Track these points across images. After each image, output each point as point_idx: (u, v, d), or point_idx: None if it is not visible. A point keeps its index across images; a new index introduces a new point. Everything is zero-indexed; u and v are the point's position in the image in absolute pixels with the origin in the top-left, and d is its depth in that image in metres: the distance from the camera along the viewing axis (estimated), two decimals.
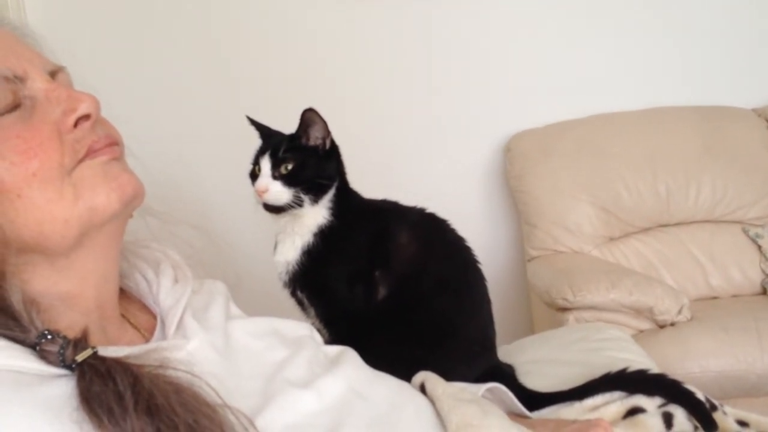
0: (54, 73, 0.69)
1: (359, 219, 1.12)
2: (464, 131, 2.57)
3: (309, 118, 1.08)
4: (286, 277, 1.11)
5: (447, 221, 1.16)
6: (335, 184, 1.11)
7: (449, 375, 1.01)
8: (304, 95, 2.44)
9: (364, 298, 1.06)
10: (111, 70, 2.23)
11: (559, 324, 1.90)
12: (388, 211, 1.15)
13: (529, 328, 2.44)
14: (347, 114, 2.50)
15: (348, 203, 1.12)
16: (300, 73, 2.50)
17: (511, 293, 2.59)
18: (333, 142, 1.13)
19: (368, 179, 2.43)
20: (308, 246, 1.08)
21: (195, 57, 2.49)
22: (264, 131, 1.17)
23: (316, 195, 1.08)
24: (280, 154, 1.07)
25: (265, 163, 1.08)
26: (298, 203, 1.06)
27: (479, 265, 1.15)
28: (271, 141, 1.12)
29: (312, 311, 1.11)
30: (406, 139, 2.57)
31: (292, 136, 1.10)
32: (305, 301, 1.11)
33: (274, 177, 1.07)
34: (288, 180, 1.06)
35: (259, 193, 1.07)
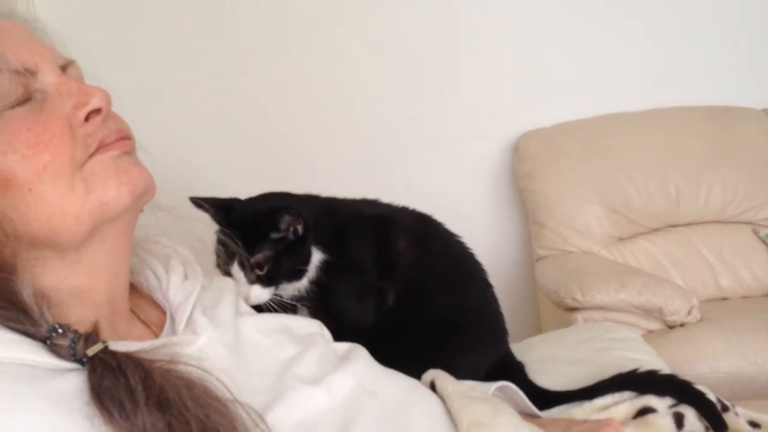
0: (65, 67, 0.69)
1: (354, 237, 1.09)
2: (473, 130, 2.56)
3: (282, 218, 1.00)
4: (292, 299, 1.07)
5: (432, 216, 1.15)
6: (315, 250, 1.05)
7: (463, 367, 1.01)
8: (311, 91, 2.48)
9: (375, 310, 1.06)
10: (123, 65, 2.23)
11: (568, 324, 1.89)
12: (380, 218, 1.12)
13: (536, 328, 2.43)
14: (354, 111, 2.52)
15: (336, 232, 1.07)
16: (308, 69, 2.50)
17: (519, 293, 2.58)
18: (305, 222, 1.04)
19: (375, 177, 2.45)
20: (314, 278, 1.05)
21: (209, 52, 2.48)
22: (215, 208, 1.03)
23: (298, 277, 1.04)
24: (252, 260, 0.99)
25: (237, 272, 0.99)
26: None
27: (473, 253, 1.15)
28: (231, 229, 1.00)
29: None
30: (413, 138, 2.56)
31: (258, 231, 1.01)
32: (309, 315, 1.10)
33: (251, 281, 1.00)
34: (266, 280, 1.01)
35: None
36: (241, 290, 0.98)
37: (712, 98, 2.48)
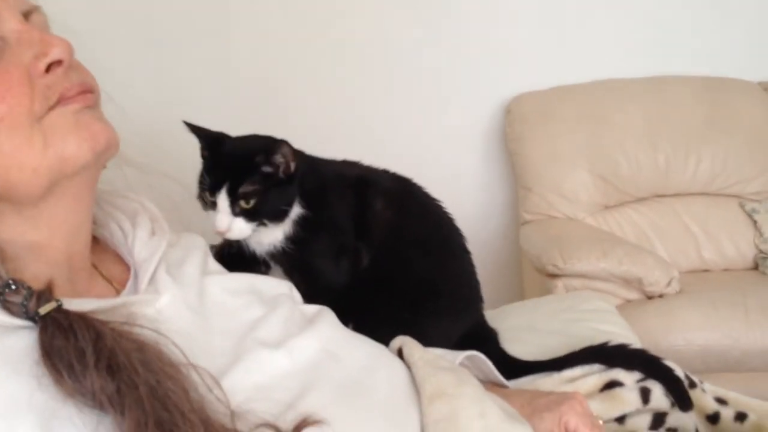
0: (28, 14, 0.66)
1: (333, 197, 1.08)
2: (465, 91, 2.54)
3: (280, 149, 0.98)
4: (267, 256, 1.06)
5: (413, 180, 1.14)
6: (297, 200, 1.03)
7: (435, 333, 1.01)
8: (295, 45, 2.43)
9: (350, 270, 1.05)
10: (96, 11, 2.18)
11: (549, 289, 1.91)
12: (358, 179, 1.11)
13: (519, 292, 2.44)
14: (340, 69, 2.47)
15: (316, 188, 1.05)
16: (291, 22, 2.45)
17: (504, 256, 2.58)
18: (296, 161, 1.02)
19: (362, 137, 2.43)
20: (290, 233, 1.03)
21: (189, 3, 2.43)
22: (206, 138, 1.02)
23: (281, 219, 1.01)
24: (240, 189, 0.96)
25: (223, 200, 0.96)
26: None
27: (452, 218, 1.14)
28: (219, 159, 1.00)
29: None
30: (403, 97, 2.54)
31: (250, 162, 0.98)
32: (284, 275, 1.09)
33: (235, 213, 0.97)
34: (250, 214, 0.98)
35: (220, 233, 0.98)
36: (223, 221, 0.96)
37: (708, 69, 2.46)
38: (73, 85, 0.64)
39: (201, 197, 1.00)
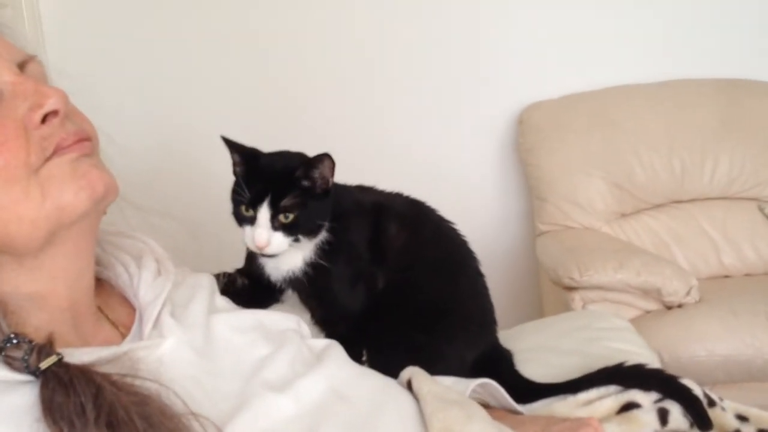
0: (24, 64, 0.66)
1: (353, 223, 1.07)
2: (477, 102, 2.52)
3: (321, 163, 0.98)
4: (284, 282, 1.06)
5: (425, 203, 1.14)
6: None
7: (449, 355, 1.01)
8: (304, 60, 2.43)
9: (366, 295, 1.05)
10: (100, 57, 2.20)
11: (567, 301, 1.88)
12: (374, 205, 1.11)
13: (537, 303, 2.42)
14: (353, 81, 2.47)
15: (339, 212, 1.06)
16: (300, 34, 2.46)
17: (521, 267, 2.56)
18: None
19: (375, 150, 2.42)
20: (311, 259, 1.04)
21: (187, 47, 2.43)
22: (243, 153, 1.02)
23: (315, 234, 1.02)
24: (282, 203, 0.96)
25: (264, 213, 0.96)
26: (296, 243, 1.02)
27: (465, 240, 1.13)
28: (258, 174, 1.00)
29: (308, 313, 1.09)
30: (416, 109, 2.53)
31: (291, 176, 0.98)
32: (300, 302, 1.09)
33: (275, 228, 0.97)
34: (288, 228, 0.98)
35: (259, 247, 0.98)
36: (263, 235, 0.96)
37: (721, 71, 2.42)
38: (69, 134, 0.64)
39: (236, 213, 1.00)
